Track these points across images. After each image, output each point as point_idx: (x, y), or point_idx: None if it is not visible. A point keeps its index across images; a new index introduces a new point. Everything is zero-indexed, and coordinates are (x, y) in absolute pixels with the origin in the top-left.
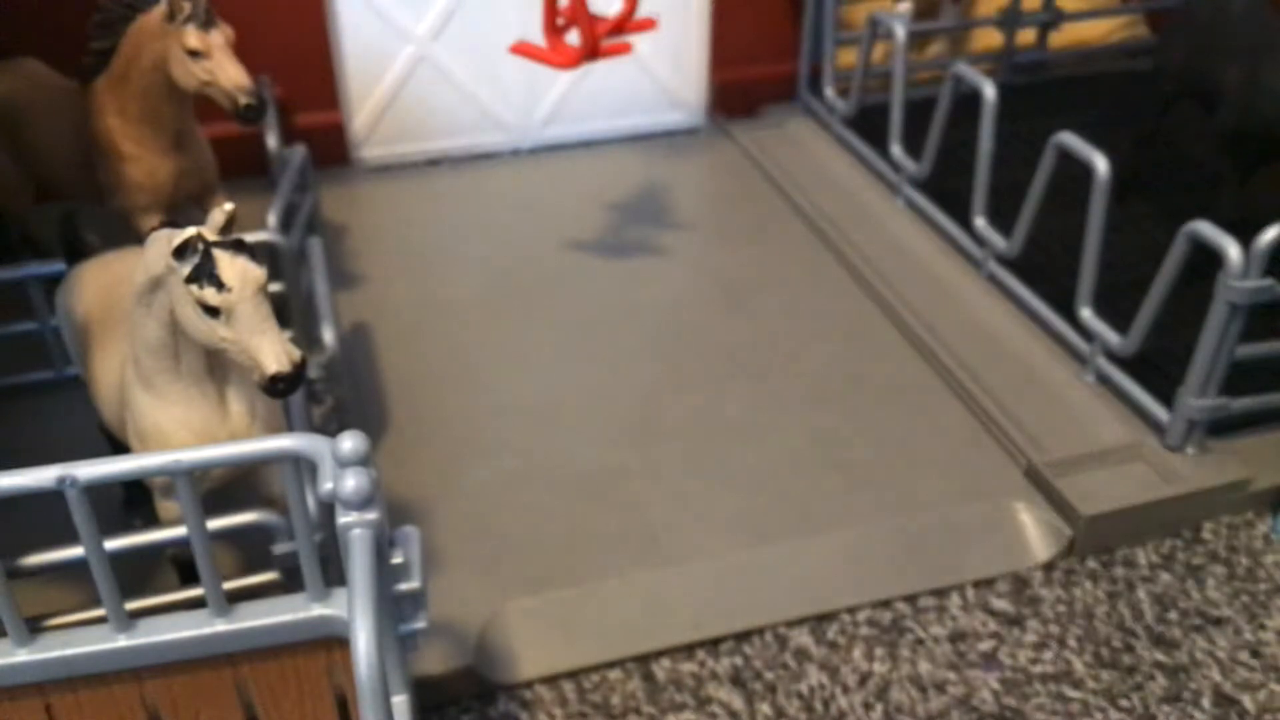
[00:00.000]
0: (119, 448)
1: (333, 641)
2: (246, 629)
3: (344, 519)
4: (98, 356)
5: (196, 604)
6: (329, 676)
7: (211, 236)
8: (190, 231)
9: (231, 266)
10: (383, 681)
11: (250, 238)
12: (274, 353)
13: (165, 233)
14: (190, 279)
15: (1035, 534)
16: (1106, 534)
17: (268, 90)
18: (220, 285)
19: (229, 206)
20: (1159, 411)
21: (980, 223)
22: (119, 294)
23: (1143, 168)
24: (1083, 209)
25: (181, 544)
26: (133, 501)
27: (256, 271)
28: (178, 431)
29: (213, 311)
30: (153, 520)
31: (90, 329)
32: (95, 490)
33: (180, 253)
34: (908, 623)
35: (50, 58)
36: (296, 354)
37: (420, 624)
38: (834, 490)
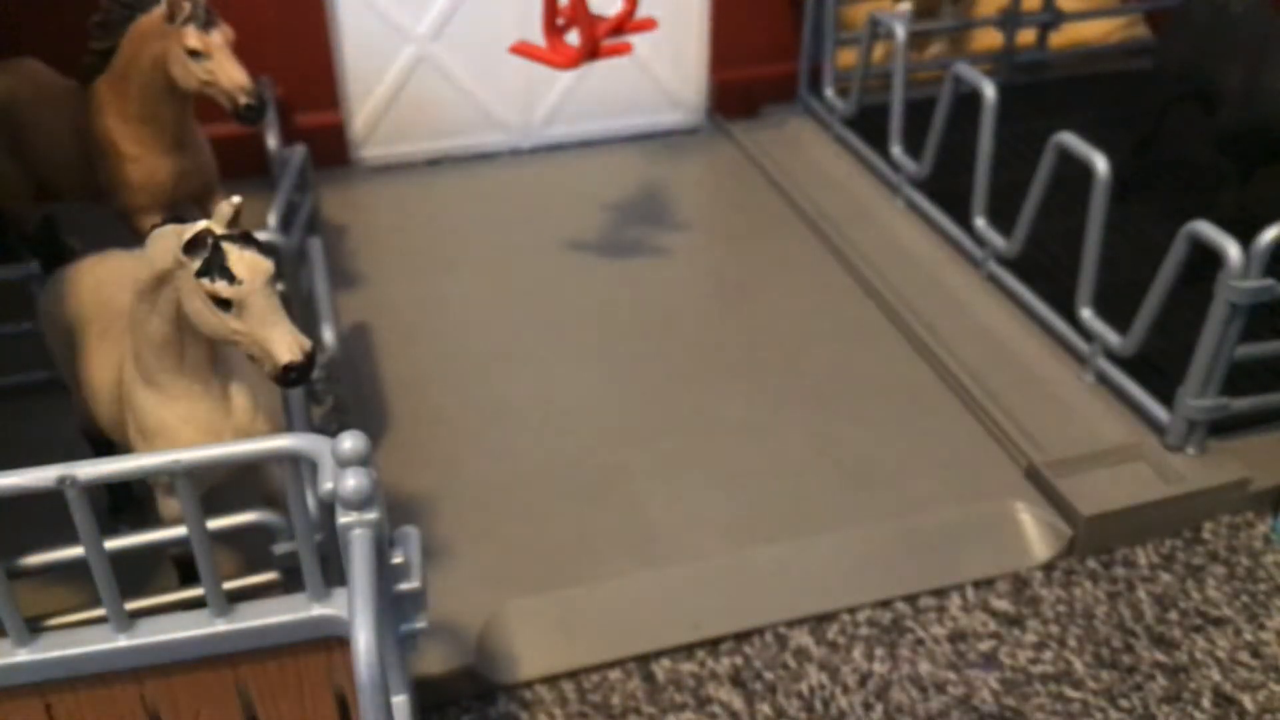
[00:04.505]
0: (101, 450)
1: (333, 641)
2: (246, 629)
3: (344, 519)
4: (90, 357)
5: (196, 604)
6: (329, 676)
7: (220, 230)
8: (199, 225)
9: (241, 259)
10: (383, 681)
11: None
12: (286, 343)
13: (171, 228)
14: (201, 273)
15: (1035, 534)
16: (1106, 534)
17: (268, 90)
18: (231, 278)
19: (236, 199)
20: (1159, 411)
21: (980, 223)
22: (109, 294)
23: (1143, 168)
24: (1083, 209)
25: (182, 544)
26: (119, 508)
27: (265, 263)
28: (183, 428)
29: (224, 304)
30: (139, 525)
31: (81, 330)
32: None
33: (190, 247)
34: (908, 623)
35: (50, 58)
36: (307, 343)
37: (420, 624)
38: (834, 490)
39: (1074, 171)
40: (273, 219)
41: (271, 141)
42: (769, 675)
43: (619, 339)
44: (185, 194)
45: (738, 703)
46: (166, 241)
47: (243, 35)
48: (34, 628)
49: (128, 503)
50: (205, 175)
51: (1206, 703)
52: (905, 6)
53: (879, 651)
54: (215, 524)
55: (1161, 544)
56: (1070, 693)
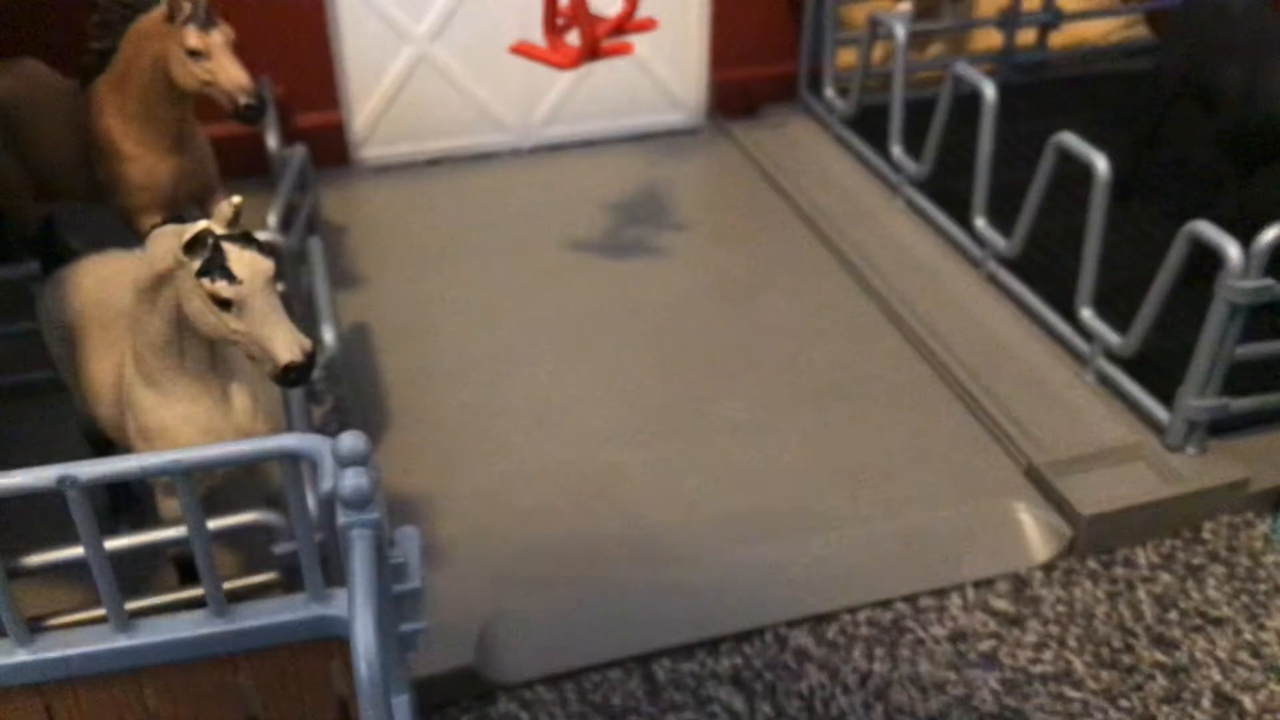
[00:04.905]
0: (101, 450)
1: (333, 641)
2: (246, 629)
3: (344, 519)
4: (91, 357)
5: (196, 604)
6: (329, 676)
7: (220, 230)
8: (199, 225)
9: (241, 259)
10: (383, 681)
11: None
12: (286, 343)
13: (171, 228)
14: (201, 273)
15: (1035, 534)
16: (1106, 534)
17: (268, 90)
18: (231, 278)
19: (236, 199)
20: (1159, 411)
21: (980, 223)
22: (109, 294)
23: (1143, 168)
24: (1083, 209)
25: (182, 544)
26: (118, 507)
27: (265, 263)
28: (183, 428)
29: (224, 304)
30: (139, 524)
31: (82, 330)
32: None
33: (190, 247)
34: (908, 623)
35: (50, 58)
36: (307, 343)
37: (420, 624)
38: (834, 490)
39: (1074, 171)
40: (273, 219)
41: (271, 141)
42: (769, 675)
43: (619, 339)
44: (185, 194)
45: (738, 703)
46: (166, 241)
47: (243, 35)
48: (34, 628)
49: (128, 503)
50: (205, 175)
51: (1206, 703)
52: (905, 6)
53: (879, 651)
54: (215, 524)
55: (1161, 544)
56: (1070, 693)
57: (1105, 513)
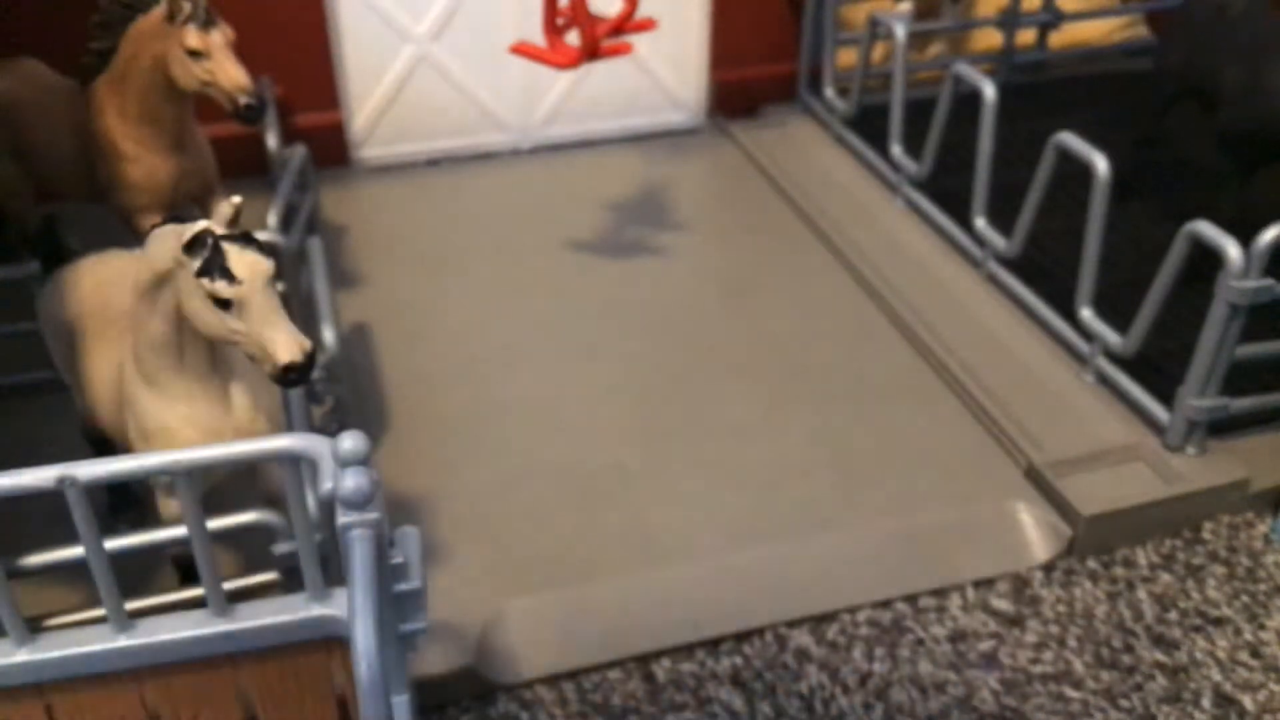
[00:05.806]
0: (101, 450)
1: (333, 641)
2: (246, 629)
3: (344, 519)
4: (92, 358)
5: (196, 604)
6: (329, 677)
7: (220, 230)
8: (199, 225)
9: (241, 259)
10: (383, 681)
11: None
12: (285, 343)
13: (171, 228)
14: (201, 273)
15: (1035, 534)
16: (1106, 534)
17: (268, 90)
18: (231, 278)
19: (236, 199)
20: (1159, 411)
21: (980, 223)
22: (109, 295)
23: (1143, 168)
24: (1083, 209)
25: (182, 544)
26: (118, 506)
27: (265, 263)
28: (184, 429)
29: (224, 304)
30: (139, 524)
31: (83, 330)
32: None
33: (190, 247)
34: (908, 623)
35: (50, 58)
36: (307, 343)
37: (420, 624)
38: (834, 490)
39: (1074, 171)
40: (273, 219)
41: (271, 141)
42: (769, 675)
43: (619, 339)
44: (185, 194)
45: (738, 703)
46: (166, 241)
47: (243, 35)
48: (34, 628)
49: (128, 503)
50: (205, 175)
51: (1206, 703)
52: (905, 6)
53: (879, 651)
54: (215, 524)
55: (1161, 544)
56: (1070, 693)
57: (1105, 513)
